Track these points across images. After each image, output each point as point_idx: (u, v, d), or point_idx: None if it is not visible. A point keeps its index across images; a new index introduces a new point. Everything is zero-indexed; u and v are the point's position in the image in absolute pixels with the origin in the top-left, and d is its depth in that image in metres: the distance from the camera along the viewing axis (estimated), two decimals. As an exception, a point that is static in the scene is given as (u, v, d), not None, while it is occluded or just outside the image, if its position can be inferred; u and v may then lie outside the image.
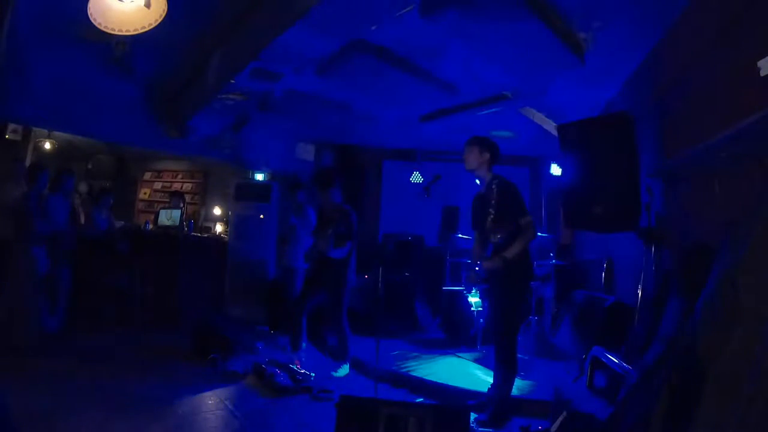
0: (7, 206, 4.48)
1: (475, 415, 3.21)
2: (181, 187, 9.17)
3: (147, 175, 9.69)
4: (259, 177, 6.94)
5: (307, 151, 7.18)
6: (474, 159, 3.41)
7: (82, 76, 4.89)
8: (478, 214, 3.48)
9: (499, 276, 3.26)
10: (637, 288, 3.57)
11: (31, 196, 4.44)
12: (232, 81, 4.35)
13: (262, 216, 6.37)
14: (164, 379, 3.87)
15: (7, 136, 5.97)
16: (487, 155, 3.40)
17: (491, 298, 3.46)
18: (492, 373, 3.48)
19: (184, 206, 7.34)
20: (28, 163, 6.49)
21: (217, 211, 8.11)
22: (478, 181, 3.56)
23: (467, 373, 4.30)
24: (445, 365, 4.55)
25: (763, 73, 2.16)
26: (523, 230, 3.21)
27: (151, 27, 2.19)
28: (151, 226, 6.97)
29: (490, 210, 3.30)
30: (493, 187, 3.32)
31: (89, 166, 9.00)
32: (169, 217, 6.81)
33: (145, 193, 9.55)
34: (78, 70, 4.78)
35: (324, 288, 4.29)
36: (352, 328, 4.40)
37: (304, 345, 4.36)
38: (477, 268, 3.43)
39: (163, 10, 2.19)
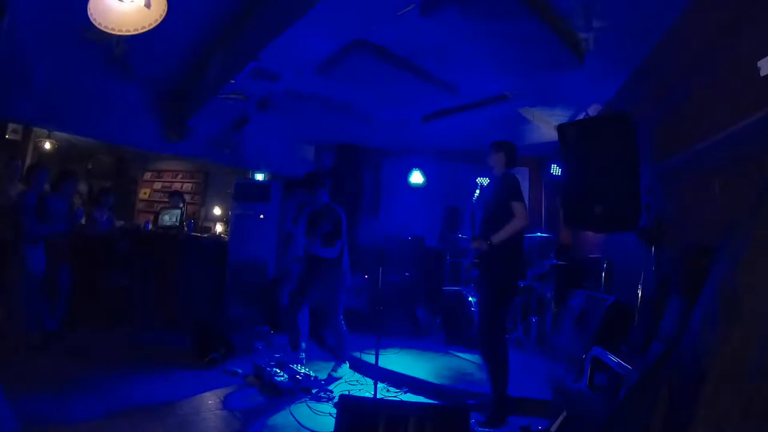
0: (4, 206, 4.48)
1: (476, 416, 3.21)
2: (181, 187, 9.16)
3: (147, 175, 9.69)
4: (259, 177, 6.94)
5: (307, 151, 7.18)
6: (493, 161, 3.59)
7: (82, 76, 4.89)
8: (485, 209, 3.54)
9: (487, 265, 3.31)
10: (637, 288, 3.57)
11: (28, 196, 4.43)
12: (232, 81, 4.34)
13: (262, 216, 6.37)
14: (164, 379, 3.87)
15: (7, 136, 5.98)
16: (502, 155, 3.55)
17: (478, 289, 3.51)
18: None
19: (184, 206, 7.33)
20: (28, 163, 6.50)
21: (217, 211, 8.11)
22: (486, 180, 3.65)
23: (467, 373, 4.31)
24: (445, 365, 4.55)
25: (763, 73, 2.16)
26: (513, 216, 3.25)
27: (151, 27, 2.19)
28: (151, 226, 6.97)
29: (492, 202, 3.40)
30: (500, 180, 3.47)
31: (89, 166, 9.00)
32: (169, 217, 6.81)
33: (145, 193, 9.54)
34: (78, 70, 4.78)
35: (317, 288, 4.29)
36: (353, 327, 4.40)
37: (304, 345, 4.36)
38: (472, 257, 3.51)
39: (163, 10, 2.19)
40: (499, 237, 3.24)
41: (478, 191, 4.09)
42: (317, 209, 4.34)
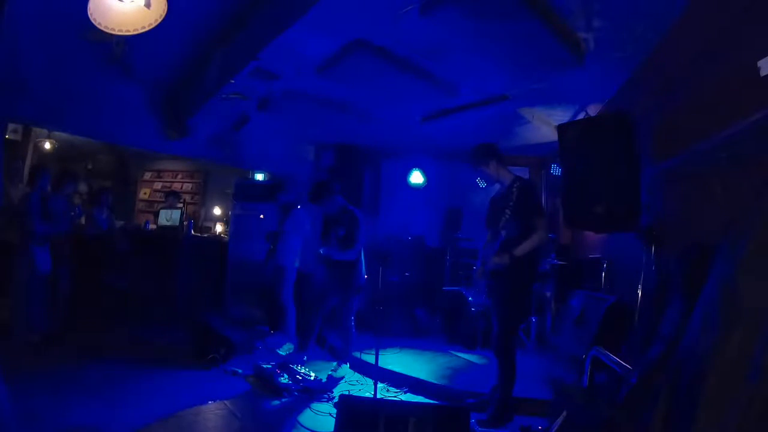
0: (7, 206, 4.49)
1: (476, 415, 3.21)
2: (181, 187, 9.18)
3: (147, 175, 9.70)
4: (259, 177, 6.94)
5: (307, 151, 7.18)
6: (490, 172, 3.50)
7: (82, 76, 4.88)
8: (494, 214, 3.48)
9: (505, 274, 3.27)
10: (637, 288, 3.57)
11: (32, 197, 4.45)
12: (232, 81, 4.34)
13: (262, 216, 6.37)
14: (164, 379, 3.87)
15: (7, 136, 5.97)
16: (494, 162, 3.46)
17: (495, 297, 3.47)
18: (492, 373, 3.49)
19: (184, 206, 7.34)
20: (28, 163, 6.50)
21: (217, 211, 8.11)
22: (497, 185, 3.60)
23: (467, 373, 4.31)
24: (445, 365, 4.55)
25: (763, 73, 2.16)
26: (536, 230, 3.25)
27: (151, 27, 2.19)
28: (153, 226, 6.98)
29: (507, 211, 3.30)
30: (514, 189, 3.34)
31: (89, 166, 9.01)
32: (169, 217, 6.81)
33: (145, 193, 9.56)
34: (78, 70, 4.78)
35: (336, 290, 4.31)
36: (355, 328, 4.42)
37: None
38: (485, 264, 3.45)
39: (163, 10, 2.19)
40: (521, 251, 3.23)
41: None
42: (333, 213, 4.35)
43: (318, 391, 3.79)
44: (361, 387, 4.05)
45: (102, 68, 4.58)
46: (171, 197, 7.39)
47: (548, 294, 5.28)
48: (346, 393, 3.79)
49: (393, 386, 4.04)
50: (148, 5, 2.14)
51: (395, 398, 3.81)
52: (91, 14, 2.13)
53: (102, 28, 2.15)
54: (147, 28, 2.18)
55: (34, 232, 4.36)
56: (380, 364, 3.67)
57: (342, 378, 4.16)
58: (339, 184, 4.45)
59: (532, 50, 3.57)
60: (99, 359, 4.25)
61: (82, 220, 5.77)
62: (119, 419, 3.01)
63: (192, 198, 9.20)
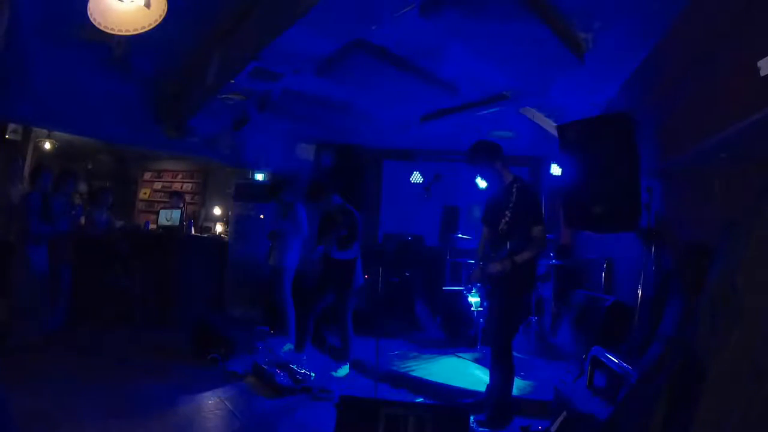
0: (7, 206, 4.49)
1: (475, 415, 3.21)
2: (181, 187, 9.17)
3: (147, 175, 9.69)
4: (259, 177, 6.94)
5: (307, 151, 7.17)
6: (494, 172, 3.43)
7: (82, 76, 4.89)
8: (493, 213, 3.43)
9: (503, 278, 3.25)
10: (637, 288, 3.57)
11: (33, 197, 4.45)
12: (232, 81, 4.35)
13: (262, 216, 6.37)
14: (164, 379, 3.87)
15: (7, 136, 5.97)
16: (498, 163, 3.41)
17: (493, 299, 3.46)
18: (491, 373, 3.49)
19: (184, 206, 7.34)
20: (28, 162, 6.49)
21: (217, 211, 8.10)
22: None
23: (467, 373, 4.31)
24: (445, 365, 4.55)
25: (763, 73, 2.16)
26: (535, 239, 3.20)
27: (151, 27, 2.19)
28: (153, 226, 6.97)
29: (507, 212, 3.25)
30: (513, 189, 3.29)
31: (89, 166, 9.00)
32: (169, 217, 6.81)
33: (145, 193, 9.55)
34: (78, 70, 4.78)
35: (333, 289, 4.31)
36: (353, 328, 4.41)
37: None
38: (481, 266, 3.43)
39: (163, 10, 2.19)
40: (522, 258, 3.18)
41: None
42: (330, 211, 4.35)
43: (318, 391, 3.79)
44: (361, 387, 4.05)
45: (102, 68, 4.58)
46: (175, 197, 7.39)
47: (548, 294, 5.28)
48: (346, 393, 3.78)
49: (393, 387, 4.03)
50: (148, 5, 2.14)
51: (395, 398, 3.81)
52: (91, 14, 2.13)
53: (102, 28, 2.15)
54: (147, 28, 2.18)
55: (32, 233, 4.36)
56: (380, 364, 3.67)
57: (342, 378, 4.16)
58: (336, 183, 4.46)
59: (532, 50, 3.57)
60: (99, 359, 4.26)
61: (82, 220, 5.76)
62: (119, 419, 3.01)
63: (192, 198, 9.19)
